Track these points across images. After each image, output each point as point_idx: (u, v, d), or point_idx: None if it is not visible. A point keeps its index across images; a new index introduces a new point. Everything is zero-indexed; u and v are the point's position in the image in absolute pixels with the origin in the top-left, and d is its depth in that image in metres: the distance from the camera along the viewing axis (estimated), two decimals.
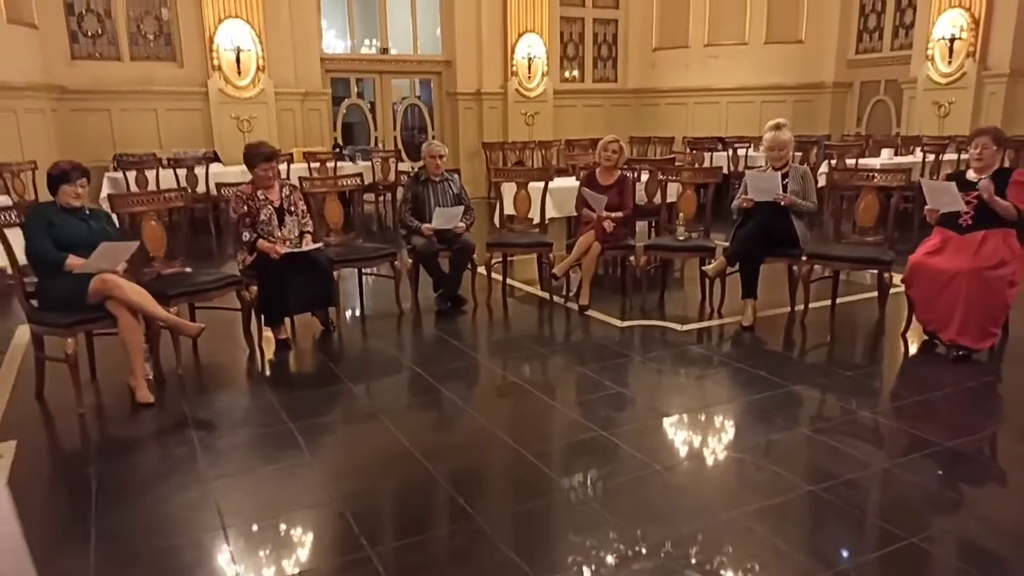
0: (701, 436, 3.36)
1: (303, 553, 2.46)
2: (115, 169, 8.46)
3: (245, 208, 4.52)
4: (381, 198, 10.06)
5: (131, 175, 8.11)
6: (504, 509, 2.77)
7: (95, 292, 3.54)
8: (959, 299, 4.04)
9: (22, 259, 3.66)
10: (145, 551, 2.44)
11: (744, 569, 2.32)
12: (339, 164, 9.41)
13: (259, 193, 4.58)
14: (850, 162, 8.32)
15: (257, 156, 4.54)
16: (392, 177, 9.85)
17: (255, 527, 2.58)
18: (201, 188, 8.55)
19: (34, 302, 3.68)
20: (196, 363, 4.33)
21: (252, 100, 10.40)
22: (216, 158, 9.59)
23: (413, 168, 8.81)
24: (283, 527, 2.59)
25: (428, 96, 12.60)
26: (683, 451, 3.21)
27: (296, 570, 2.35)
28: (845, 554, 2.40)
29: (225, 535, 2.51)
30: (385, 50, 12.01)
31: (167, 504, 2.76)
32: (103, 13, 9.91)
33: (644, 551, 2.37)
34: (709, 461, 3.12)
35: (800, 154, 9.23)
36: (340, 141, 11.82)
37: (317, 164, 9.15)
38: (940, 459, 3.02)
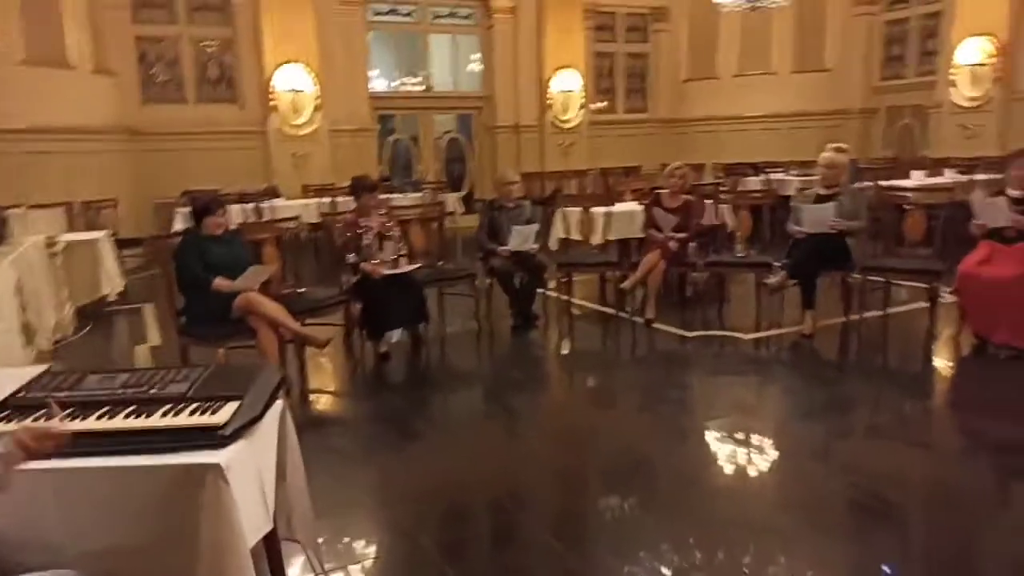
0: (779, 429, 3.78)
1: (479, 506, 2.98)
2: (186, 205, 9.02)
3: (350, 234, 5.01)
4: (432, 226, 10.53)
5: None
6: (623, 473, 3.20)
7: (239, 308, 4.01)
8: (1009, 304, 4.42)
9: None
10: (366, 506, 2.92)
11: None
12: (391, 196, 9.91)
13: (361, 220, 5.08)
14: (883, 183, 8.71)
15: (362, 187, 5.13)
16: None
17: (452, 491, 3.12)
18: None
19: (183, 319, 4.16)
20: (302, 372, 4.73)
21: (307, 137, 11.04)
22: (276, 193, 10.16)
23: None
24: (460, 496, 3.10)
25: (466, 129, 13.19)
26: (769, 440, 3.61)
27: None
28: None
29: (443, 496, 3.04)
30: (428, 87, 12.66)
31: (367, 471, 3.32)
32: (171, 60, 10.62)
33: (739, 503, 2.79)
34: (790, 448, 3.52)
35: None
36: (387, 173, 12.41)
37: None
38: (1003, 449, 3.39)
